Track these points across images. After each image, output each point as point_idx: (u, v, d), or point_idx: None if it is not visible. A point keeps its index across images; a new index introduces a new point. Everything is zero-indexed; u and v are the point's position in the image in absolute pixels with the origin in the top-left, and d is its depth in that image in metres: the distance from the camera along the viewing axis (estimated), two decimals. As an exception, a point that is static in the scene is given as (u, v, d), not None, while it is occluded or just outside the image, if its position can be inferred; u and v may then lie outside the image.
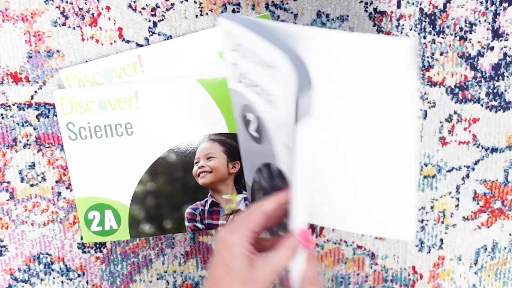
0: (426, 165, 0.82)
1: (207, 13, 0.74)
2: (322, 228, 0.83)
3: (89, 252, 0.83)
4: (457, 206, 0.84)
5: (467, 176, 0.82)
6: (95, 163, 0.76)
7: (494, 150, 0.81)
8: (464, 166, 0.82)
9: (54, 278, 0.84)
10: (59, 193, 0.80)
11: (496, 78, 0.78)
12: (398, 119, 0.57)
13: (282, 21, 0.75)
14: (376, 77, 0.56)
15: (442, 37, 0.76)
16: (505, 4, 0.75)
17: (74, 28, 0.74)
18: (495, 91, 0.78)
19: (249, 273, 0.51)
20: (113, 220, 0.79)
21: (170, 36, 0.74)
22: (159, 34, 0.74)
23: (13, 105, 0.76)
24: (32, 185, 0.80)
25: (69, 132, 0.74)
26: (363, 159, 0.60)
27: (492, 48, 0.77)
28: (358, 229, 0.69)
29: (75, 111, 0.73)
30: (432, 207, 0.84)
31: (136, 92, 0.73)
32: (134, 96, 0.73)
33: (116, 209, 0.78)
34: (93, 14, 0.73)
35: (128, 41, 0.74)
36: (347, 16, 0.75)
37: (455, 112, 0.79)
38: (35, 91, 0.76)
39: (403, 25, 0.75)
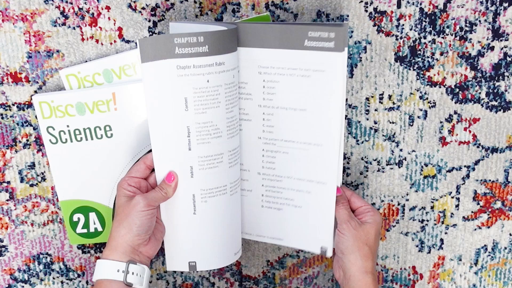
0: (426, 165, 0.81)
1: (207, 13, 0.74)
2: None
3: (89, 252, 0.83)
4: (457, 206, 0.84)
5: (467, 176, 0.82)
6: (77, 166, 0.76)
7: (494, 150, 0.81)
8: (464, 166, 0.82)
9: (54, 278, 0.84)
10: (59, 193, 0.80)
11: (496, 78, 0.78)
12: (327, 135, 0.70)
13: (282, 21, 0.75)
14: (312, 88, 0.68)
15: (442, 37, 0.76)
16: (505, 4, 0.75)
17: (74, 28, 0.74)
18: (495, 91, 0.78)
19: (128, 204, 0.67)
20: (98, 223, 0.79)
21: (170, 36, 0.74)
22: (159, 34, 0.74)
23: (13, 105, 0.76)
24: (32, 185, 0.80)
25: (50, 136, 0.74)
26: (295, 172, 0.73)
27: (492, 48, 0.77)
28: (282, 241, 0.78)
29: (54, 115, 0.74)
30: (432, 207, 0.84)
31: (114, 94, 0.73)
32: (112, 98, 0.73)
33: (100, 212, 0.78)
34: (93, 14, 0.73)
35: (128, 41, 0.74)
36: (347, 16, 0.75)
37: (455, 112, 0.79)
38: (35, 91, 0.76)
39: (403, 25, 0.75)
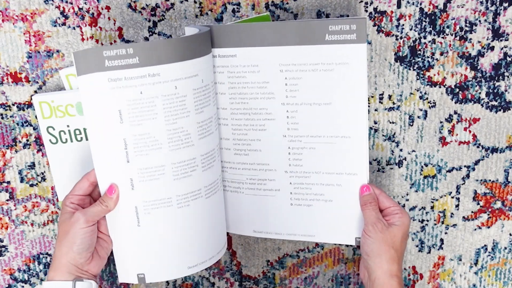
0: (426, 165, 0.81)
1: (207, 13, 0.74)
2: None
3: (89, 252, 0.83)
4: (457, 206, 0.84)
5: (467, 176, 0.82)
6: (77, 166, 0.76)
7: (494, 150, 0.81)
8: (464, 166, 0.82)
9: (54, 278, 0.84)
10: (59, 193, 0.80)
11: (496, 78, 0.78)
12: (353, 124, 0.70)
13: (281, 21, 0.75)
14: (334, 82, 0.69)
15: (442, 37, 0.76)
16: (505, 4, 0.75)
17: (74, 28, 0.74)
18: (495, 91, 0.78)
19: (69, 221, 0.66)
20: None
21: (170, 36, 0.74)
22: (159, 34, 0.74)
23: (13, 105, 0.76)
24: (32, 185, 0.80)
25: (50, 136, 0.74)
26: (320, 168, 0.73)
27: (492, 48, 0.77)
28: (310, 237, 0.78)
29: (55, 115, 0.74)
30: (432, 207, 0.84)
31: None
32: None
33: None
34: (93, 14, 0.73)
35: (128, 41, 0.74)
36: (347, 16, 0.75)
37: (455, 112, 0.79)
38: (35, 91, 0.76)
39: (403, 25, 0.75)
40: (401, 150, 0.81)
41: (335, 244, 0.84)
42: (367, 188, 0.72)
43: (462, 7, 0.75)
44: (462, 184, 0.83)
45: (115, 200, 0.67)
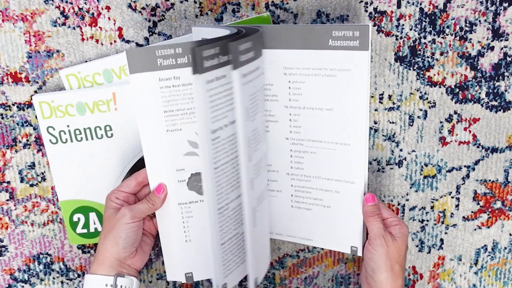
0: (426, 165, 0.82)
1: (207, 13, 0.74)
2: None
3: (89, 252, 0.83)
4: (457, 206, 0.84)
5: (467, 176, 0.82)
6: (77, 166, 0.76)
7: (494, 150, 0.81)
8: (464, 166, 0.82)
9: (54, 278, 0.84)
10: (59, 193, 0.80)
11: (496, 78, 0.78)
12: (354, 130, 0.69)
13: (282, 21, 0.75)
14: (337, 89, 0.68)
15: (442, 37, 0.76)
16: (505, 4, 0.75)
17: (74, 28, 0.74)
18: (495, 91, 0.78)
19: (113, 217, 0.67)
20: (98, 223, 0.79)
21: (170, 36, 0.74)
22: (159, 34, 0.74)
23: (13, 105, 0.76)
24: (32, 185, 0.80)
25: (50, 136, 0.75)
26: (323, 174, 0.73)
27: (492, 48, 0.77)
28: (309, 241, 0.78)
29: (55, 115, 0.74)
30: (432, 207, 0.84)
31: (114, 94, 0.73)
32: (112, 98, 0.73)
33: (100, 212, 0.78)
34: (93, 14, 0.73)
35: (128, 41, 0.74)
36: (347, 16, 0.75)
37: (455, 112, 0.79)
38: (35, 91, 0.76)
39: (403, 25, 0.75)
40: (401, 150, 0.81)
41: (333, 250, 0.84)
42: (372, 198, 0.70)
43: (462, 7, 0.75)
44: (462, 184, 0.83)
45: (162, 199, 0.68)
